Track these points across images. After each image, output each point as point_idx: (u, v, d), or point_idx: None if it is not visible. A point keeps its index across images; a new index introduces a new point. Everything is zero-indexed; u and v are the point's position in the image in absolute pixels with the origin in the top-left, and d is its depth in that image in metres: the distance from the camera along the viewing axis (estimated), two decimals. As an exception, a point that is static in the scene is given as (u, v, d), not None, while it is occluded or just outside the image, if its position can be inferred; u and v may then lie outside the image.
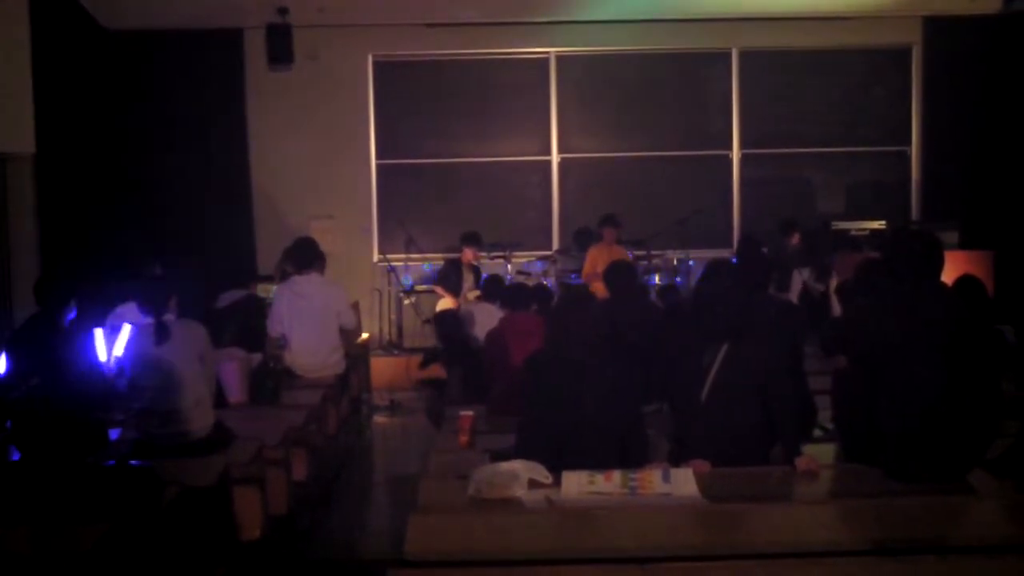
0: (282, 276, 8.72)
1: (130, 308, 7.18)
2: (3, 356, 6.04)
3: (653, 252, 11.46)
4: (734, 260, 7.74)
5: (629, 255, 10.80)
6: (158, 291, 5.79)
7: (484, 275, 11.10)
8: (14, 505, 3.89)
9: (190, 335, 5.73)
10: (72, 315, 6.02)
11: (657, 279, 11.10)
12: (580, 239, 11.56)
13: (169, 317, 5.72)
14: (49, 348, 5.60)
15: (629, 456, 4.73)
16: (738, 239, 10.79)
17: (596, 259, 10.60)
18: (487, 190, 12.59)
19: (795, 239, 11.01)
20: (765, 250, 10.47)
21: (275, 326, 7.83)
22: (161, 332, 5.59)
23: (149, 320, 5.70)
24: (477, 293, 10.94)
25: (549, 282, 11.06)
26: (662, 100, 12.66)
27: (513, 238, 11.97)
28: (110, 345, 7.00)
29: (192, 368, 5.63)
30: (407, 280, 11.75)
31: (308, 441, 6.59)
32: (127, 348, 5.75)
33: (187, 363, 5.62)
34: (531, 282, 10.27)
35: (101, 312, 7.37)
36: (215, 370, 6.04)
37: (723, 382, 4.82)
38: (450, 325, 7.99)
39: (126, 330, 6.51)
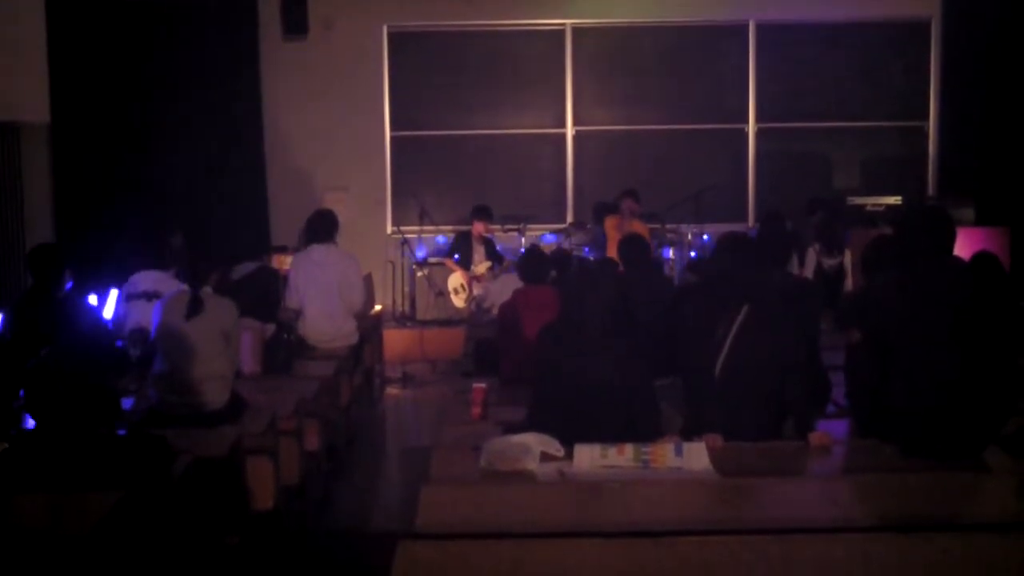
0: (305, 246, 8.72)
1: (145, 276, 7.21)
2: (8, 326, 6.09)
3: (668, 225, 11.42)
4: (752, 233, 7.71)
5: (647, 229, 10.76)
6: (203, 264, 5.80)
7: (498, 247, 11.13)
8: (27, 473, 3.90)
9: (220, 312, 5.72)
10: (68, 285, 6.03)
11: (671, 253, 11.07)
12: (597, 213, 11.51)
13: (206, 291, 5.73)
14: (48, 318, 5.61)
15: (640, 429, 4.72)
16: (763, 215, 10.72)
17: (610, 230, 10.58)
18: (501, 162, 12.55)
19: (817, 218, 10.93)
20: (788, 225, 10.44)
21: (292, 296, 7.83)
22: (194, 305, 5.59)
23: (181, 290, 5.71)
24: (488, 265, 10.94)
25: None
26: (678, 73, 12.57)
27: (527, 211, 11.94)
28: (122, 313, 7.03)
29: (215, 344, 5.62)
30: (420, 252, 11.74)
31: (321, 412, 6.61)
32: (154, 314, 5.76)
33: (211, 339, 5.60)
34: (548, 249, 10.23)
35: (112, 280, 7.40)
36: (237, 347, 6.02)
37: (737, 356, 4.80)
38: None
39: (113, 295, 6.50)
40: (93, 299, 6.49)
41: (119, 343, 6.59)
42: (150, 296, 6.75)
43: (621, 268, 7.49)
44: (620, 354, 4.77)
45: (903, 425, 4.51)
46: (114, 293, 6.98)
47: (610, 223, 10.73)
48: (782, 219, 8.20)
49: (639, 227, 10.44)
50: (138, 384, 6.06)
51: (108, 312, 6.69)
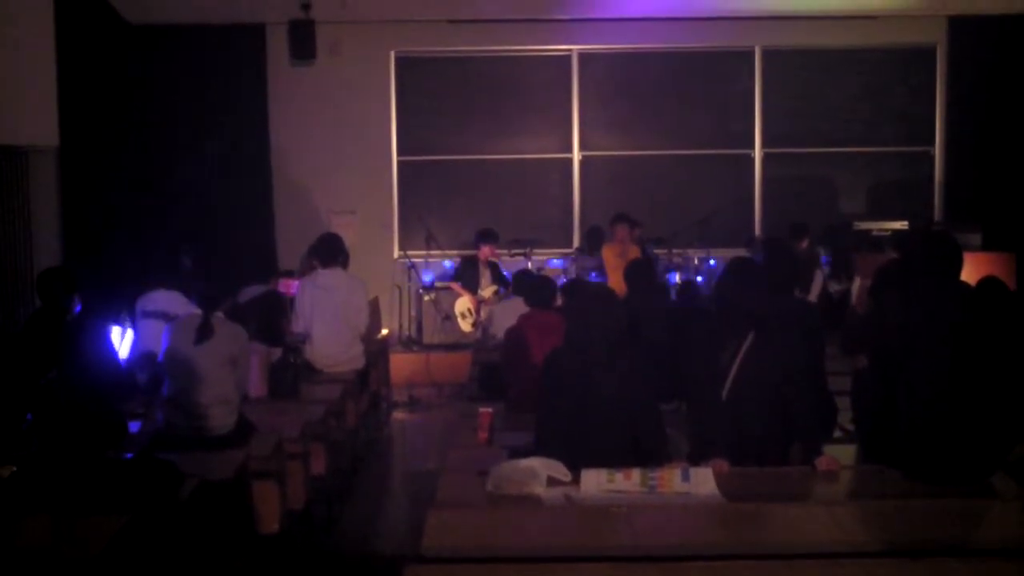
0: (310, 271, 8.74)
1: (161, 295, 7.23)
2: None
3: (674, 250, 11.44)
4: (758, 259, 7.73)
5: (646, 253, 10.77)
6: (219, 291, 5.82)
7: (506, 272, 11.13)
8: (35, 496, 3.91)
9: (229, 337, 5.74)
10: (77, 308, 6.04)
11: (678, 277, 11.07)
12: (592, 239, 11.53)
13: (218, 316, 5.74)
14: (57, 341, 5.62)
15: (645, 454, 4.72)
16: (765, 241, 10.75)
17: (611, 259, 10.62)
18: (508, 187, 12.58)
19: (804, 243, 10.90)
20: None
21: (299, 320, 7.84)
22: (204, 331, 5.60)
23: (193, 314, 5.72)
24: (494, 289, 10.95)
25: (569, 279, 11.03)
26: (684, 98, 12.61)
27: (534, 235, 11.97)
28: (136, 335, 7.05)
29: (222, 369, 5.64)
30: (427, 276, 11.75)
31: (327, 435, 6.61)
32: (163, 337, 5.77)
33: (219, 364, 5.62)
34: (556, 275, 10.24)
35: (122, 303, 7.41)
36: (245, 372, 6.02)
37: (744, 381, 4.80)
38: None
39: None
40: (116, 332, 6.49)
41: (125, 365, 6.60)
42: (168, 316, 6.78)
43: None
44: (623, 371, 4.78)
45: (908, 449, 4.51)
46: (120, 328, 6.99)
47: (609, 251, 10.74)
48: (785, 245, 8.19)
49: (634, 252, 10.47)
50: (145, 408, 6.07)
51: (117, 337, 6.70)
